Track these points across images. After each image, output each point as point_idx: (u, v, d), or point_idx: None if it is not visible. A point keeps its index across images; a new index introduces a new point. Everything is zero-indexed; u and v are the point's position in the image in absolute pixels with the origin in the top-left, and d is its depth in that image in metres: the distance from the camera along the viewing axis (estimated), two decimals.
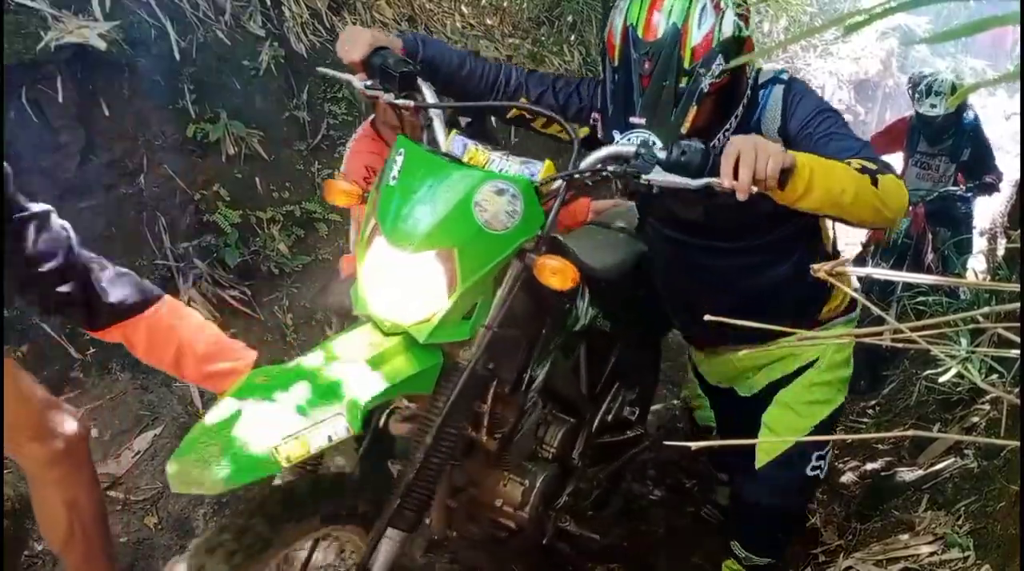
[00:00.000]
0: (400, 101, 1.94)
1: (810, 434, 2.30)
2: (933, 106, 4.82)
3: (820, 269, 1.25)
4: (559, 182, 1.80)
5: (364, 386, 1.62)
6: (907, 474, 2.77)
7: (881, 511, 2.64)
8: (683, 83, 1.87)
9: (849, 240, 4.87)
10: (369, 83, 1.97)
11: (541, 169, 1.81)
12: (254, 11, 3.71)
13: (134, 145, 3.09)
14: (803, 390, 2.30)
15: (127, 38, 3.01)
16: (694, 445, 0.80)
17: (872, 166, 1.73)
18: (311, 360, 1.67)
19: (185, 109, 3.25)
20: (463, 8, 5.17)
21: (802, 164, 1.63)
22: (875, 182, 1.69)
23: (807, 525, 2.87)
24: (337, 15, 4.21)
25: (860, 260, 4.89)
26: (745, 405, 2.46)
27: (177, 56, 3.19)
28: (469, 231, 1.72)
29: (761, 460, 2.33)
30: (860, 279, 4.64)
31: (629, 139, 1.86)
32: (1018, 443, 1.91)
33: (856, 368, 3.77)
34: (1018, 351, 1.93)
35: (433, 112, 1.94)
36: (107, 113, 2.97)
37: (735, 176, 1.57)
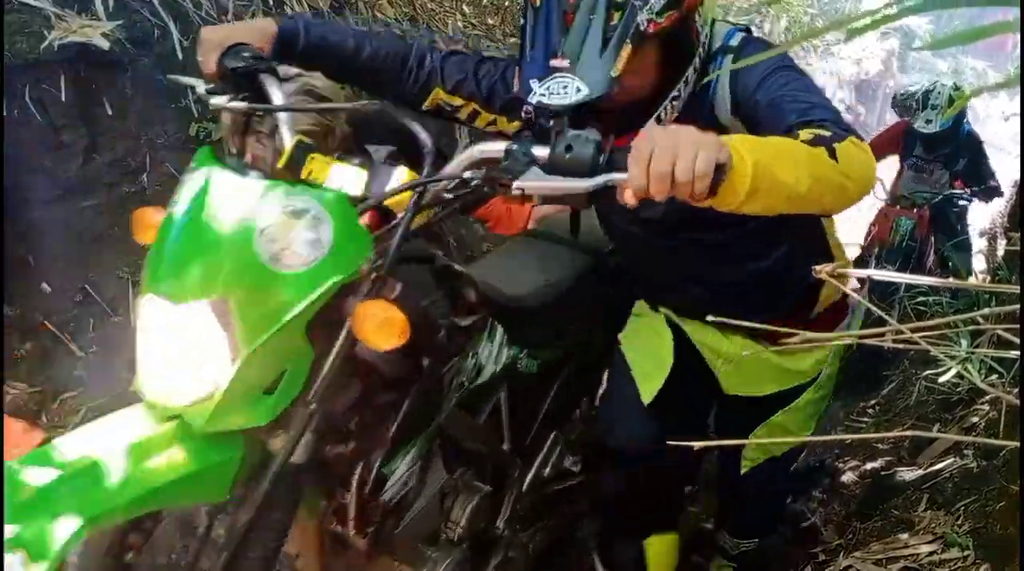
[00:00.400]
0: (234, 104, 1.57)
1: (793, 447, 2.24)
2: (928, 121, 4.75)
3: (822, 270, 1.25)
4: (412, 197, 1.38)
5: (78, 503, 1.15)
6: (907, 474, 2.78)
7: (881, 510, 2.65)
8: (616, 19, 1.52)
9: (848, 240, 4.86)
10: (210, 87, 1.61)
11: (395, 180, 1.40)
12: (256, 10, 3.71)
13: (137, 144, 3.09)
14: (799, 412, 2.12)
15: (130, 37, 3.01)
16: (697, 445, 0.80)
17: (825, 132, 1.40)
18: (37, 457, 1.22)
19: (188, 108, 3.25)
20: (464, 7, 5.17)
21: (740, 157, 1.23)
22: (832, 153, 1.35)
23: (806, 524, 2.88)
24: (339, 14, 4.21)
25: (860, 261, 4.90)
26: (737, 402, 2.16)
27: (180, 55, 3.19)
28: (248, 271, 1.27)
29: (746, 467, 2.21)
30: (861, 281, 4.65)
31: (548, 88, 1.48)
32: (1017, 443, 1.92)
33: (857, 368, 3.80)
34: (1018, 352, 1.94)
35: (281, 116, 1.55)
36: (110, 112, 2.98)
37: (648, 179, 1.17)
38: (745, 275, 1.91)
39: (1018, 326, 1.08)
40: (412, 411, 1.64)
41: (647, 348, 2.14)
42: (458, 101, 1.88)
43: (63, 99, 2.81)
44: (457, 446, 1.87)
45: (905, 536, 2.33)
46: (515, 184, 1.25)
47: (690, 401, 2.12)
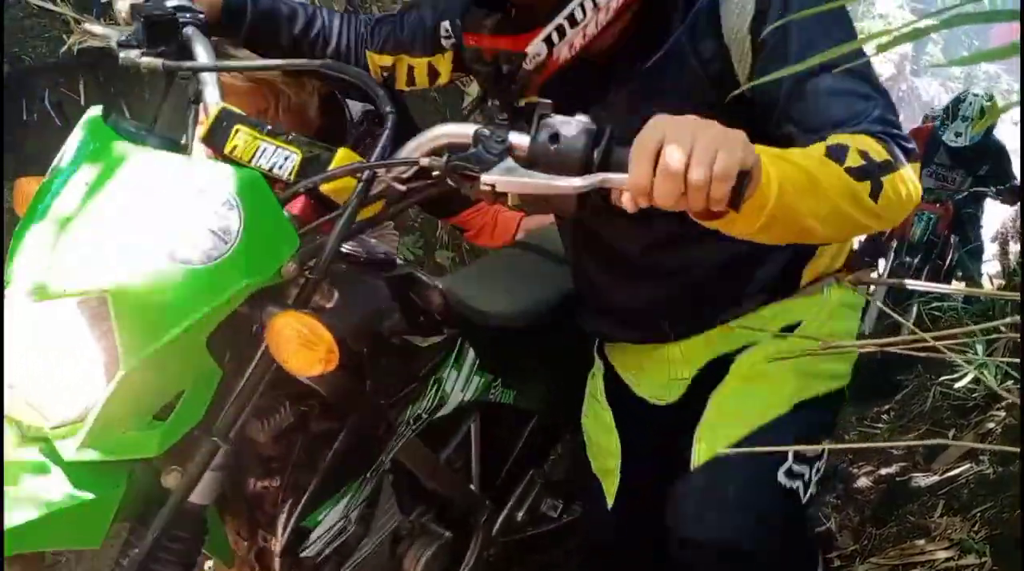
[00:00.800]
0: (146, 60, 1.31)
1: (788, 418, 1.41)
2: (958, 134, 4.58)
3: (844, 279, 1.25)
4: (358, 185, 1.11)
5: None
6: (922, 479, 2.77)
7: (896, 516, 2.64)
8: None
9: None
10: (123, 38, 1.35)
11: (336, 162, 1.13)
12: None
13: None
14: (777, 353, 1.47)
15: None
16: (725, 452, 0.80)
17: (879, 156, 1.07)
18: None
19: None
20: None
21: (766, 176, 0.96)
22: (876, 192, 1.05)
23: (821, 530, 2.88)
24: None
25: (873, 247, 4.77)
26: (670, 421, 1.56)
27: None
28: (133, 263, 1.03)
29: (700, 456, 1.42)
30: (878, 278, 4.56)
31: None
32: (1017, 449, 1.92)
33: (871, 373, 3.78)
34: None
35: (206, 78, 1.29)
36: (128, 115, 3.00)
37: (653, 180, 0.91)
38: (718, 256, 1.45)
39: None
40: (346, 451, 1.35)
41: (598, 431, 1.72)
42: (388, 60, 1.59)
43: (82, 103, 2.84)
44: (415, 482, 1.60)
45: (921, 542, 2.33)
46: (483, 178, 1.00)
47: (659, 461, 1.58)
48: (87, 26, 1.50)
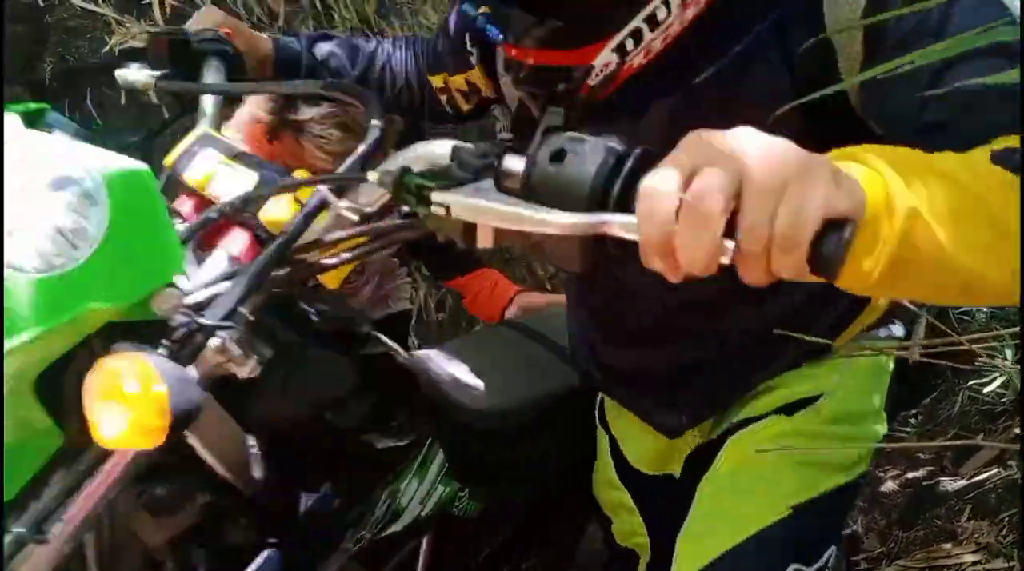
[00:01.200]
0: (135, 77, 1.21)
1: (783, 526, 1.15)
2: None
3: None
4: (300, 211, 0.86)
5: None
6: (950, 483, 2.77)
7: (924, 520, 2.65)
8: None
9: None
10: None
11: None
12: (306, 16, 3.79)
13: None
14: (778, 437, 1.20)
15: None
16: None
17: None
18: None
19: None
20: None
21: (883, 201, 0.57)
22: None
23: (848, 532, 2.88)
24: (385, 20, 4.27)
25: None
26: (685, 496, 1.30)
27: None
28: None
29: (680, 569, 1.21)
30: None
31: None
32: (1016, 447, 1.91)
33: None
34: None
35: (205, 106, 1.15)
36: (166, 115, 3.06)
37: (669, 237, 0.57)
38: (751, 327, 1.20)
39: None
40: None
41: (619, 512, 1.48)
42: (439, 81, 1.42)
43: (122, 103, 2.90)
44: None
45: (949, 546, 2.33)
46: (434, 196, 0.69)
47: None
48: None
